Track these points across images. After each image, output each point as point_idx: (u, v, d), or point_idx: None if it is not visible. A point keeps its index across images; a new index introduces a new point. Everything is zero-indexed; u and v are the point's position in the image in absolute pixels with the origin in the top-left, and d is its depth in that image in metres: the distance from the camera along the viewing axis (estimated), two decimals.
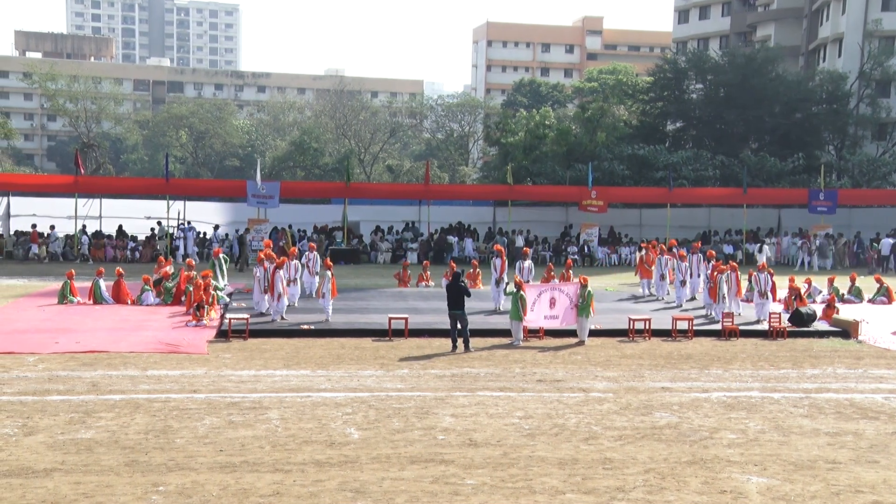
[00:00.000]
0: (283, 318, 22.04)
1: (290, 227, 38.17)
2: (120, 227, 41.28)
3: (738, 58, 53.27)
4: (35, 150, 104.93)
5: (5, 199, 41.89)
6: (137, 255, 39.14)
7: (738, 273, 24.04)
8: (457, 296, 19.10)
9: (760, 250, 39.81)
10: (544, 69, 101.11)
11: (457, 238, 41.87)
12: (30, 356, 17.43)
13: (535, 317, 20.65)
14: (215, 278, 26.34)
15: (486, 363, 17.71)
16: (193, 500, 9.70)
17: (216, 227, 42.66)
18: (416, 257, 39.73)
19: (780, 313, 22.70)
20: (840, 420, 13.66)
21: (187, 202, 43.12)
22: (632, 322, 21.37)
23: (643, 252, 28.89)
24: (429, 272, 30.33)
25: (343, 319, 22.06)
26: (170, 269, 26.57)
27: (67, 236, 40.04)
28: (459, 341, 19.03)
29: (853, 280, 28.80)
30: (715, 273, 23.65)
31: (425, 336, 20.52)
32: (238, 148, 78.49)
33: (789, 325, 22.33)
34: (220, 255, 27.03)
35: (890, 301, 27.85)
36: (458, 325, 19.04)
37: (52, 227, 39.45)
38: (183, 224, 40.21)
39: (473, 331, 21.03)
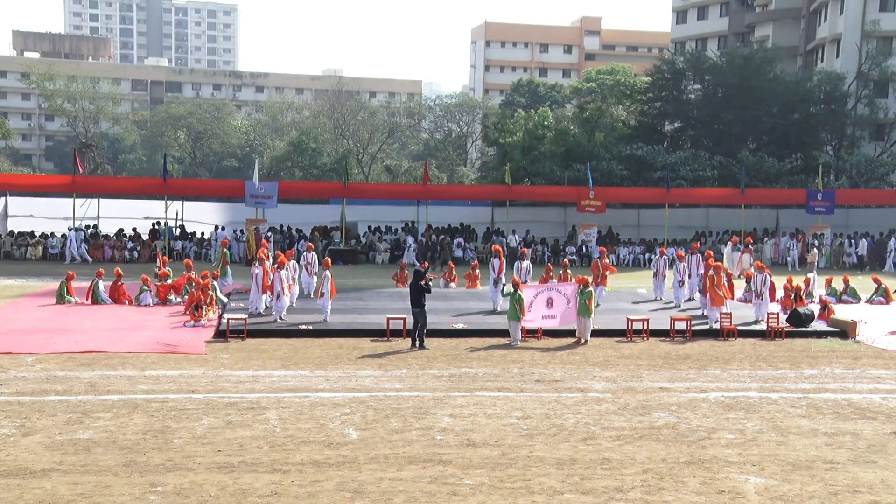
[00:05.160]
0: (281, 318, 22.06)
1: (256, 229, 38.18)
2: (120, 229, 41.25)
3: (737, 58, 53.33)
4: (33, 150, 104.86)
5: (3, 199, 41.87)
6: (136, 255, 39.12)
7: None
8: (416, 294, 19.31)
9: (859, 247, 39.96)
10: (542, 69, 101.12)
11: (450, 238, 41.87)
12: (28, 356, 17.42)
13: (533, 317, 20.65)
14: (224, 274, 26.61)
15: (485, 363, 17.71)
16: (191, 501, 9.69)
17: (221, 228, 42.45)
18: (415, 257, 39.71)
19: (778, 313, 22.72)
20: (838, 420, 13.67)
21: (185, 202, 43.14)
22: (630, 322, 21.39)
23: (600, 257, 27.48)
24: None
25: (341, 320, 22.06)
26: (167, 268, 26.61)
27: (64, 236, 40.04)
28: (427, 340, 19.35)
29: (846, 282, 28.84)
30: (708, 272, 23.59)
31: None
32: (236, 148, 78.48)
33: (787, 325, 22.35)
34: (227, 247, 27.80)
35: (888, 301, 27.88)
36: (418, 324, 19.33)
37: (52, 234, 39.52)
38: (75, 225, 39.74)
39: (472, 331, 21.12)
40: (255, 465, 10.91)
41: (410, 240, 40.80)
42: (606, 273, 26.19)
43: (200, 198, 45.78)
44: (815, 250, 36.87)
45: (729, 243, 34.83)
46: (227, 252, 28.12)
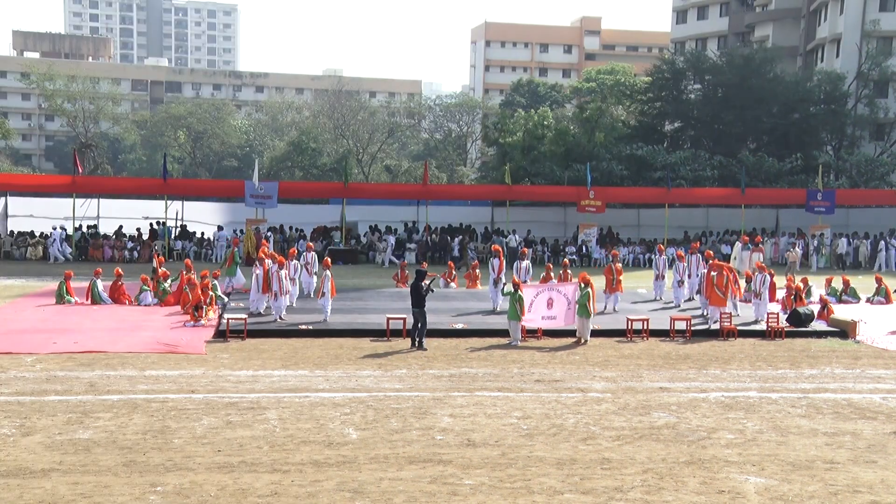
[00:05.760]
0: (281, 318, 22.06)
1: (256, 229, 38.09)
2: (120, 226, 41.25)
3: (736, 58, 53.34)
4: (33, 150, 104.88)
5: (3, 199, 41.86)
6: (136, 255, 39.12)
7: (735, 273, 24.02)
8: (416, 295, 19.33)
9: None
10: (542, 69, 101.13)
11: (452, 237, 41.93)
12: (28, 356, 17.41)
13: (533, 317, 20.63)
14: (233, 273, 26.63)
15: (485, 363, 17.71)
16: (191, 501, 9.69)
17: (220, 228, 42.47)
18: (415, 258, 39.74)
19: (778, 313, 22.71)
20: (838, 420, 13.66)
21: (185, 202, 43.13)
22: (630, 322, 21.38)
23: (611, 261, 25.96)
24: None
25: (341, 319, 22.05)
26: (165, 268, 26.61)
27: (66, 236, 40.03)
28: (425, 340, 19.36)
29: (846, 283, 28.83)
30: (710, 273, 23.57)
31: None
32: (236, 148, 78.47)
33: (787, 325, 22.34)
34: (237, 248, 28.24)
35: (888, 301, 27.88)
36: (419, 324, 19.34)
37: (54, 228, 39.36)
38: (57, 225, 39.55)
39: (472, 331, 21.10)
40: (255, 465, 10.91)
41: (392, 238, 40.79)
42: (620, 278, 25.00)
43: (200, 198, 45.79)
44: (798, 250, 36.85)
45: (738, 242, 34.77)
46: (237, 251, 28.13)
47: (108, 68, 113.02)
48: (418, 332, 19.29)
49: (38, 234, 39.70)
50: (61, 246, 38.37)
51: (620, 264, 26.55)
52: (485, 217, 45.86)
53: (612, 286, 24.80)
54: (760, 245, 33.76)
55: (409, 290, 20.30)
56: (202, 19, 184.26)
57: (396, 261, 39.09)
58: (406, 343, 19.55)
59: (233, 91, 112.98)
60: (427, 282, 19.52)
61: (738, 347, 20.20)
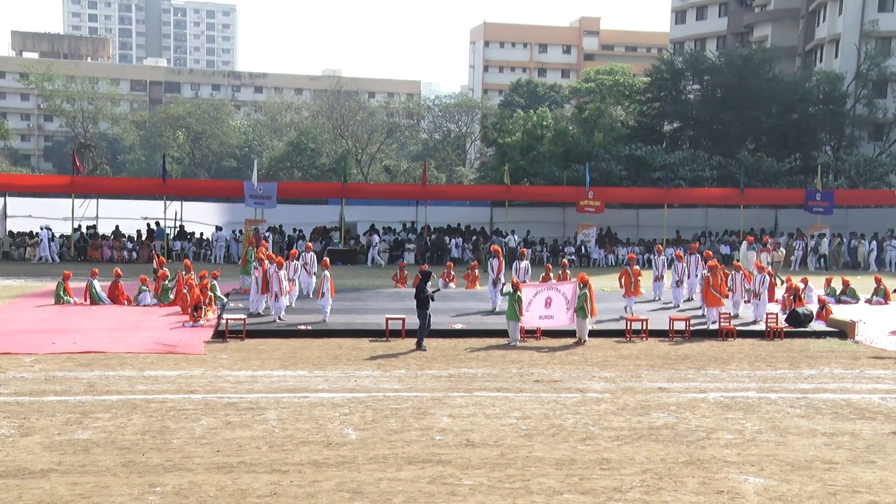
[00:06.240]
0: (280, 318, 22.05)
1: (255, 230, 38.03)
2: (116, 226, 41.24)
3: (735, 58, 53.41)
4: (32, 151, 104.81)
5: (2, 199, 41.86)
6: (135, 255, 39.11)
7: (745, 272, 23.99)
8: (418, 296, 19.39)
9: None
10: (541, 70, 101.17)
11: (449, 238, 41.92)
12: (27, 356, 17.40)
13: (530, 317, 20.61)
14: (247, 271, 26.56)
15: (484, 363, 17.71)
16: (190, 501, 9.69)
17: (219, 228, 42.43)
18: (414, 258, 39.76)
19: (777, 314, 22.71)
20: (837, 420, 13.67)
21: (184, 203, 43.13)
22: (629, 322, 21.38)
23: (628, 264, 25.05)
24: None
25: (340, 320, 22.05)
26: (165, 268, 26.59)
27: (63, 236, 40.02)
28: (424, 341, 19.37)
29: (845, 283, 28.83)
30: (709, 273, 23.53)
31: None
32: (235, 148, 78.47)
33: (786, 325, 22.35)
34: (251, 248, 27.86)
35: (886, 301, 27.89)
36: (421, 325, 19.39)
37: (41, 229, 39.23)
38: (44, 225, 39.58)
39: (471, 331, 21.11)
40: (254, 466, 10.90)
41: (376, 238, 40.79)
42: (638, 280, 24.40)
43: (199, 198, 45.81)
44: (783, 249, 36.88)
45: (744, 242, 34.80)
46: (250, 250, 27.97)
47: (106, 68, 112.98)
48: (418, 333, 19.27)
49: (36, 234, 39.70)
50: (49, 247, 38.35)
51: (639, 266, 25.77)
52: (484, 217, 45.87)
53: (631, 289, 24.22)
54: (768, 245, 33.75)
55: (407, 289, 20.28)
56: (201, 19, 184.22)
57: (380, 260, 39.22)
58: (405, 343, 19.55)
59: (232, 91, 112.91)
60: (430, 290, 19.50)
61: (736, 348, 20.20)
